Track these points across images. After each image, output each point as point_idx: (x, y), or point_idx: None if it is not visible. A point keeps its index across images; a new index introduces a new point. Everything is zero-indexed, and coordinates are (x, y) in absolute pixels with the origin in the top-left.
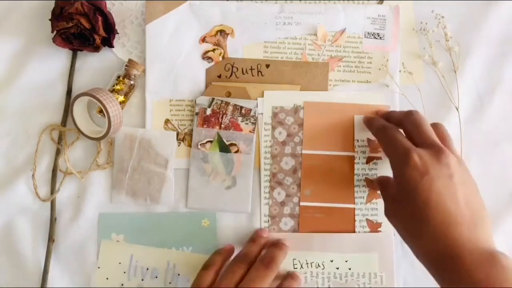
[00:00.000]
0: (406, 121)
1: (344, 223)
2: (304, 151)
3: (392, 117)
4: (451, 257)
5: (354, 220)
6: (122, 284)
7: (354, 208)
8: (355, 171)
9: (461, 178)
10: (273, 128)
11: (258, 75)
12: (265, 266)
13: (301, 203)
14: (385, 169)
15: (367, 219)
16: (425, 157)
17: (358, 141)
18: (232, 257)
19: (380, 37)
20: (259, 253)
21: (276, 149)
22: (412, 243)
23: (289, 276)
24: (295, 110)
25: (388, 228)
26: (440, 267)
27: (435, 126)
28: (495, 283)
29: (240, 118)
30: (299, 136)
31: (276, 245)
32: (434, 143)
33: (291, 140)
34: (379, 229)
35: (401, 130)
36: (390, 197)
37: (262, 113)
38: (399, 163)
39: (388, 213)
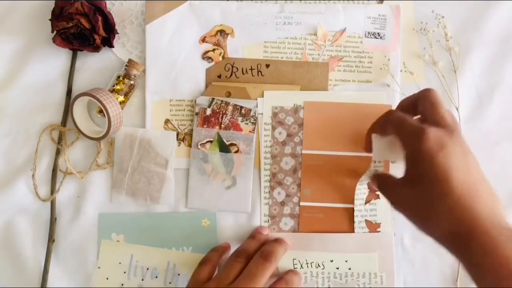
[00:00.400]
0: (422, 99)
1: (343, 223)
2: (304, 151)
3: (405, 101)
4: (477, 233)
5: (353, 221)
6: (122, 284)
7: (353, 209)
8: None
9: (474, 158)
10: (273, 128)
11: (258, 75)
12: (264, 259)
13: (301, 203)
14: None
15: (366, 220)
16: (440, 134)
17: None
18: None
19: (381, 37)
20: (258, 248)
21: (276, 149)
22: (429, 224)
23: (290, 271)
24: (295, 110)
25: (387, 228)
26: (464, 244)
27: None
28: None
29: (240, 118)
30: (299, 136)
31: (276, 240)
32: (448, 123)
33: (291, 140)
34: (378, 229)
35: None
36: (398, 184)
37: (262, 113)
38: (413, 140)
39: (397, 201)
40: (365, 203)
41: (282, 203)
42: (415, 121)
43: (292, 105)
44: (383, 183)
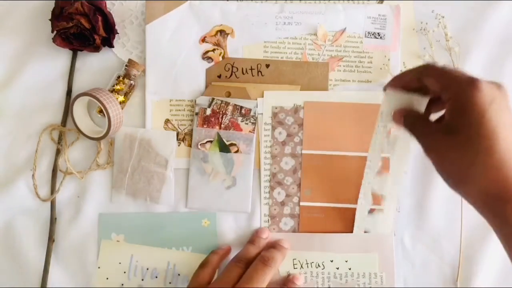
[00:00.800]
0: (430, 77)
1: (343, 223)
2: (304, 151)
3: (404, 79)
4: None
5: (353, 221)
6: (122, 284)
7: (355, 208)
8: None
9: None
10: (273, 128)
11: (258, 75)
12: (264, 264)
13: (301, 203)
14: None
15: (372, 192)
16: (492, 86)
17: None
18: (230, 257)
19: (381, 37)
20: (258, 254)
21: (276, 149)
22: (466, 181)
23: (291, 277)
24: (295, 110)
25: (391, 203)
26: (498, 207)
27: None
28: None
29: (240, 118)
30: (299, 136)
31: (275, 246)
32: (486, 81)
33: (291, 140)
34: (381, 203)
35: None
36: (438, 129)
37: (262, 113)
38: (465, 91)
39: (433, 148)
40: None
41: (282, 203)
42: (463, 72)
43: (292, 105)
44: (413, 122)
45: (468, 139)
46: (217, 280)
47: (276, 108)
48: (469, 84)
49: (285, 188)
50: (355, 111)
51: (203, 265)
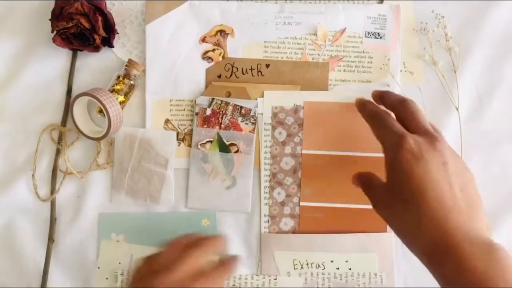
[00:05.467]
0: (401, 108)
1: (344, 223)
2: (304, 151)
3: (387, 100)
4: (450, 246)
5: (354, 220)
6: (122, 284)
7: (355, 208)
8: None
9: (455, 166)
10: (273, 128)
11: (258, 75)
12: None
13: (301, 203)
14: None
15: None
16: (420, 142)
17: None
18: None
19: (381, 37)
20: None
21: (276, 149)
22: (407, 234)
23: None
24: (295, 110)
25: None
26: (438, 258)
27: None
28: (495, 274)
29: (240, 118)
30: (299, 136)
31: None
32: (428, 131)
33: (291, 140)
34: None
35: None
36: (381, 188)
37: (262, 113)
38: (393, 147)
39: (379, 205)
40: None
41: (282, 203)
42: (398, 125)
43: (292, 105)
44: (367, 184)
45: (401, 197)
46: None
47: (276, 108)
48: (396, 142)
49: (285, 188)
50: (355, 111)
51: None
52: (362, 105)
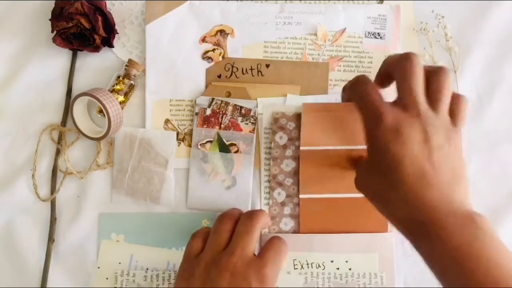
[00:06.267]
0: (397, 67)
1: (344, 214)
2: (302, 148)
3: (388, 59)
4: (428, 221)
5: (354, 211)
6: (122, 284)
7: (353, 198)
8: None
9: (438, 142)
10: (274, 132)
11: (258, 75)
12: (250, 217)
13: (300, 196)
14: None
15: None
16: (399, 118)
17: None
18: None
19: (381, 37)
20: (239, 214)
21: (276, 152)
22: (386, 210)
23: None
24: (296, 116)
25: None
26: (417, 233)
27: (432, 77)
28: (476, 246)
29: (240, 118)
30: (299, 140)
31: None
32: (415, 103)
33: (292, 144)
34: None
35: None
36: (362, 165)
37: (261, 114)
38: (371, 124)
39: (359, 182)
40: None
41: (282, 204)
42: (379, 97)
43: (293, 112)
44: (356, 161)
45: (379, 173)
46: (208, 245)
47: (277, 114)
48: (374, 119)
49: (285, 188)
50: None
51: (194, 235)
52: (346, 86)
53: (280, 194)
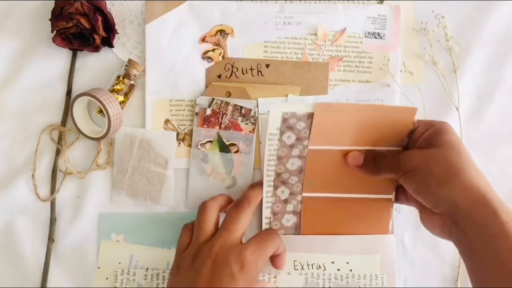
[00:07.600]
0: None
1: (346, 214)
2: (310, 147)
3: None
4: (493, 206)
5: (357, 212)
6: (122, 284)
7: (356, 198)
8: None
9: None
10: (282, 133)
11: (258, 75)
12: (236, 206)
13: (303, 194)
14: None
15: None
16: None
17: None
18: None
19: (381, 37)
20: (226, 199)
21: (283, 151)
22: (441, 194)
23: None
24: (307, 116)
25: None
26: (467, 222)
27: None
28: None
29: (240, 118)
30: (308, 140)
31: (250, 187)
32: None
33: (300, 143)
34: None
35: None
36: (400, 152)
37: (266, 114)
38: (442, 122)
39: (405, 161)
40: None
41: (285, 201)
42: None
43: (304, 112)
44: (378, 155)
45: (446, 154)
46: (194, 238)
47: (287, 114)
48: (440, 123)
49: (289, 186)
50: (373, 113)
51: (183, 229)
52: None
53: (283, 192)
